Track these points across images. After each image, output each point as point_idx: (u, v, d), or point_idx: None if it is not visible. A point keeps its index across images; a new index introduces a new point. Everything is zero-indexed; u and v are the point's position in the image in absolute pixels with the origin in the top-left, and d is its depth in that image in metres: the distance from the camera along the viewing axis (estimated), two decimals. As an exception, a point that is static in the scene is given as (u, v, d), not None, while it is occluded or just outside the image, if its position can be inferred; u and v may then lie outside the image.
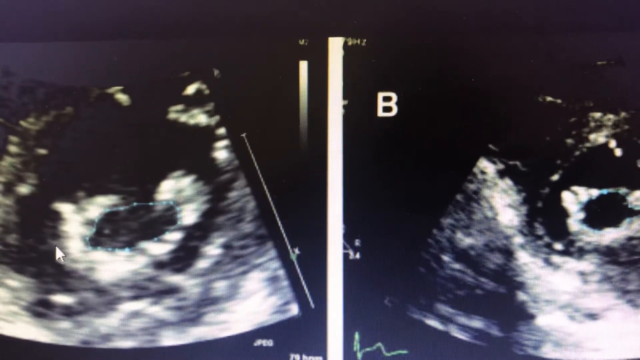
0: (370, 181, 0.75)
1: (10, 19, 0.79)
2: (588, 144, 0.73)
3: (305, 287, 0.77)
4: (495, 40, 0.74)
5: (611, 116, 0.73)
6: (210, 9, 0.77)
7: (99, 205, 0.78)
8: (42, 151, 0.79)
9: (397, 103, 0.75)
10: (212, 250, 0.77)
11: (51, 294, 0.79)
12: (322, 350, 0.77)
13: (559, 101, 0.74)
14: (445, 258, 0.75)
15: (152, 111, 0.78)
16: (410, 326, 0.76)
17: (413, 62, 0.75)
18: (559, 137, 0.74)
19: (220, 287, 0.77)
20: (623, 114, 0.73)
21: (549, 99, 0.74)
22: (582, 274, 0.74)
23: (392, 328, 0.76)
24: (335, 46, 0.76)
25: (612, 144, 0.73)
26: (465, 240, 0.75)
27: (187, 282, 0.78)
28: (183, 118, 0.78)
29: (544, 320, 0.74)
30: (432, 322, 0.76)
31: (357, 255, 0.76)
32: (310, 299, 0.77)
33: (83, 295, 0.79)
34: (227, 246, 0.77)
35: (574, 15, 0.73)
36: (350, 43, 0.76)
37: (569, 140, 0.74)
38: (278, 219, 0.77)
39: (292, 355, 0.77)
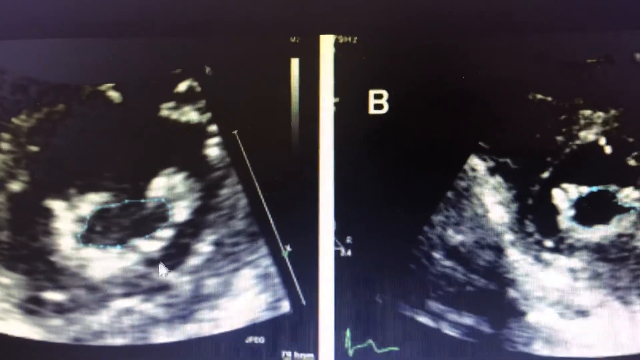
0: (362, 178, 0.76)
1: (3, 17, 0.79)
2: (578, 142, 0.74)
3: (296, 284, 0.77)
4: (486, 38, 0.74)
5: (601, 114, 0.73)
6: (202, 6, 0.77)
7: (90, 203, 0.78)
8: (34, 148, 0.79)
9: (388, 100, 0.75)
10: (204, 247, 0.77)
11: (43, 291, 0.79)
12: (313, 347, 0.77)
13: (549, 99, 0.74)
14: (436, 255, 0.75)
15: (144, 108, 0.78)
16: (401, 323, 0.76)
17: (404, 59, 0.75)
18: (549, 134, 0.74)
19: (211, 284, 0.77)
20: (612, 112, 0.73)
21: (539, 96, 0.74)
22: (572, 270, 0.74)
23: (383, 325, 0.76)
24: (327, 44, 0.76)
25: (602, 141, 0.73)
26: (456, 237, 0.75)
27: (178, 280, 0.78)
28: (175, 115, 0.78)
29: (534, 317, 0.74)
30: (423, 319, 0.76)
31: (349, 253, 0.76)
32: (301, 296, 0.77)
33: (74, 292, 0.79)
34: (218, 243, 0.77)
35: (564, 14, 0.74)
36: (341, 41, 0.76)
37: (559, 138, 0.74)
38: (269, 216, 0.77)
39: (283, 352, 0.77)
